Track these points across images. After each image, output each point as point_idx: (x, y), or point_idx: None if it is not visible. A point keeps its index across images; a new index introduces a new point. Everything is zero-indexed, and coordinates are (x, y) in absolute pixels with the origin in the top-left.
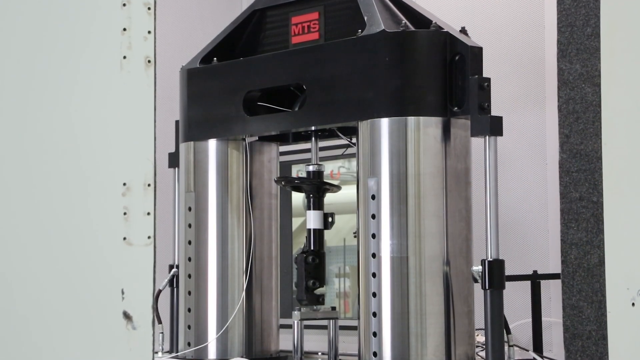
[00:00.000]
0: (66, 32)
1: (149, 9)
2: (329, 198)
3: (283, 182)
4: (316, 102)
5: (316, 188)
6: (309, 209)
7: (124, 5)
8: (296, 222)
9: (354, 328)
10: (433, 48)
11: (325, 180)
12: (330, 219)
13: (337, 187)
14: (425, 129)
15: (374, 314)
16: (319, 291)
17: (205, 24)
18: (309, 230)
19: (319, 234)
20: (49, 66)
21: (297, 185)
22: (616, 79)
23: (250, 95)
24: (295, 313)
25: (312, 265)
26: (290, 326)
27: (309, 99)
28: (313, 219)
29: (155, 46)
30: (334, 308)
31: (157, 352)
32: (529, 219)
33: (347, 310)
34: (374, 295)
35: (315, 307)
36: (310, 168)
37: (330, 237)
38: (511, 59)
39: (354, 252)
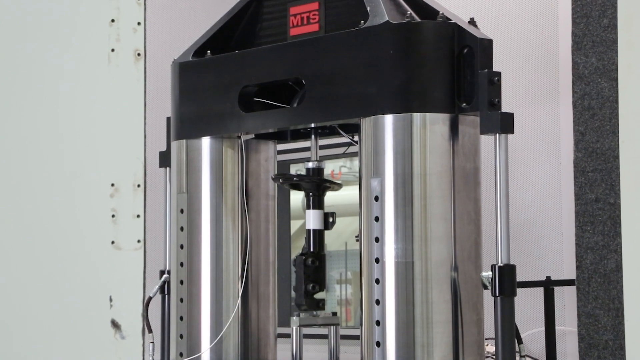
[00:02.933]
0: (51, 23)
1: None
2: (329, 200)
3: (281, 180)
4: (316, 97)
5: (316, 186)
6: (309, 208)
7: None
8: (295, 225)
9: (356, 337)
10: (440, 40)
11: (325, 178)
12: (331, 219)
13: (338, 185)
14: (431, 126)
15: (378, 323)
16: (318, 295)
17: (198, 15)
18: (309, 231)
19: (318, 235)
20: (32, 59)
21: (296, 182)
22: (634, 73)
23: (246, 91)
24: (294, 319)
25: (311, 268)
26: (288, 335)
27: (308, 94)
28: (312, 219)
29: (145, 38)
30: (334, 314)
31: None
32: (542, 221)
33: (349, 318)
34: (378, 302)
35: (315, 313)
36: (310, 165)
37: (331, 241)
38: (523, 52)
39: (356, 257)
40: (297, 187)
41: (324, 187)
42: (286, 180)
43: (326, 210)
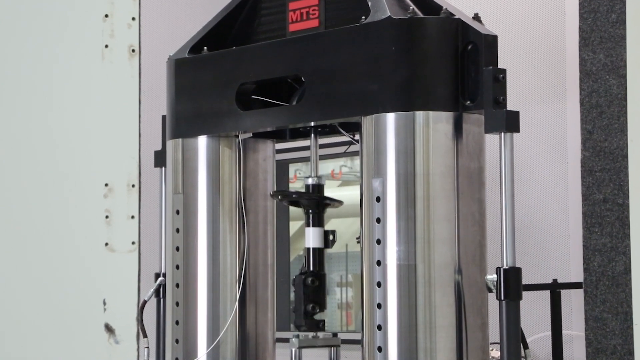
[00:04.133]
0: (42, 18)
1: None
2: None
3: (279, 197)
4: (316, 95)
5: (316, 203)
6: (308, 225)
7: None
8: (294, 226)
9: (357, 342)
10: (443, 36)
11: (326, 195)
12: (331, 237)
13: (338, 202)
14: (434, 125)
15: (379, 327)
16: (318, 316)
17: (194, 10)
18: (308, 249)
19: (318, 254)
20: (24, 56)
21: (295, 200)
22: None
23: (243, 88)
24: (293, 340)
25: (311, 288)
26: (287, 339)
27: (307, 92)
28: (312, 237)
29: (140, 34)
30: (335, 334)
31: None
32: (549, 223)
33: (350, 322)
34: (379, 306)
35: (314, 334)
36: (310, 181)
37: None
38: (529, 48)
39: (357, 259)
40: (296, 204)
41: (324, 204)
42: (285, 198)
43: (326, 217)
